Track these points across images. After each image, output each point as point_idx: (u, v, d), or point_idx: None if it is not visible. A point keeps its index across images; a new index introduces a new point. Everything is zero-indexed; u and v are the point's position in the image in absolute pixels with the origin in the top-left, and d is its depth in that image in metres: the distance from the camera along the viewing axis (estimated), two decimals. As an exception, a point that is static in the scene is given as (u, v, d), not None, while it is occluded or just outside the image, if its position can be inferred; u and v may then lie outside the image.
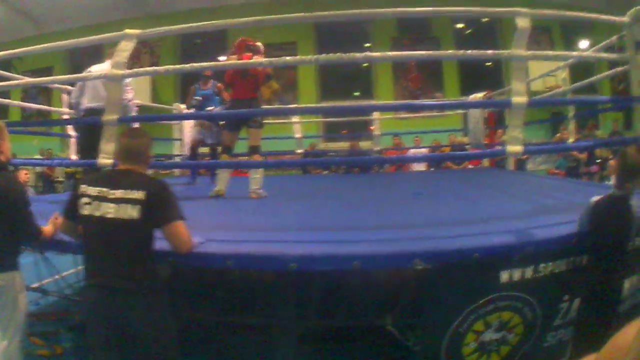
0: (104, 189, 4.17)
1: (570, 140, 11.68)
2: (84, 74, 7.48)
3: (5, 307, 4.91)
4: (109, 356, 4.23)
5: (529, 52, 6.38)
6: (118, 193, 4.12)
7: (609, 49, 8.30)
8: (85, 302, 4.30)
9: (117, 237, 4.10)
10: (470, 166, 16.79)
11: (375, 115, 16.35)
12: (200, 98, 11.61)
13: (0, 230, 4.73)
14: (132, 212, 4.07)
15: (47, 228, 5.06)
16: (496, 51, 6.82)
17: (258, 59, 8.43)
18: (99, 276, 4.15)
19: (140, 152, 4.46)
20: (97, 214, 4.13)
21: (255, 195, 8.68)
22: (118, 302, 4.07)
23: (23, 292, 5.08)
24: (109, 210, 4.10)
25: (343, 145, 21.09)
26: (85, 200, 4.20)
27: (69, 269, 7.62)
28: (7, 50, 7.99)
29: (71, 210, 4.39)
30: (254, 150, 9.06)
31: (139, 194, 4.10)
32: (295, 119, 15.76)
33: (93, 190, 4.20)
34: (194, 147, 12.33)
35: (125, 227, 4.08)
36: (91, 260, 4.27)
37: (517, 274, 4.58)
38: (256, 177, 8.90)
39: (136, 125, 8.27)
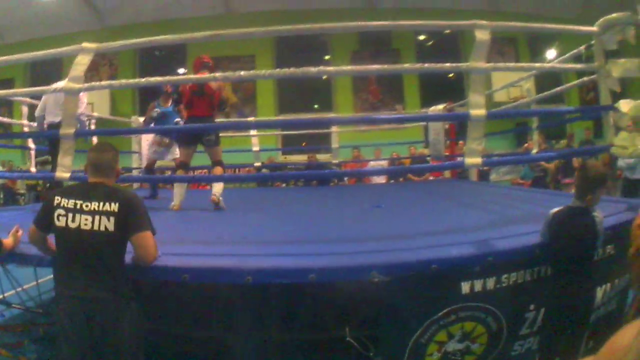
0: (79, 201, 4.23)
1: (534, 150, 11.78)
2: (42, 88, 7.45)
3: None
4: None
5: (488, 65, 6.42)
6: (93, 205, 4.21)
7: (576, 58, 8.38)
8: (59, 312, 4.28)
9: (93, 248, 4.17)
10: (431, 178, 16.85)
11: (335, 128, 16.38)
12: (158, 111, 11.45)
13: None
14: (107, 224, 4.17)
15: (8, 241, 5.04)
16: (454, 64, 6.85)
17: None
18: (72, 287, 4.20)
19: (108, 166, 4.54)
20: (73, 225, 4.19)
21: (215, 198, 8.72)
22: (92, 312, 4.12)
23: None
24: (86, 222, 4.17)
25: (302, 158, 21.09)
26: (60, 211, 4.24)
27: (30, 281, 7.59)
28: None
29: (44, 221, 4.41)
30: (216, 164, 9.13)
31: (113, 206, 4.20)
32: (253, 132, 15.76)
33: (68, 202, 4.25)
34: (149, 166, 12.04)
35: (101, 239, 4.17)
36: (65, 271, 4.32)
37: (478, 285, 4.64)
38: (218, 185, 8.98)
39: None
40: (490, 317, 4.77)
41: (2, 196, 21.90)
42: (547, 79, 15.85)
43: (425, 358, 4.75)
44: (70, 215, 4.21)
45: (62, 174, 6.68)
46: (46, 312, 7.59)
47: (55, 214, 4.26)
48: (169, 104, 11.39)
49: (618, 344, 1.51)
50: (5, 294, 7.52)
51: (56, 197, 4.33)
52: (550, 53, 23.22)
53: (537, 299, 4.94)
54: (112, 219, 4.18)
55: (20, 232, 5.22)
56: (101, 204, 4.21)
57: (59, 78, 16.43)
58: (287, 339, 6.25)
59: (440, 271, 4.48)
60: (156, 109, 11.46)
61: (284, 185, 18.17)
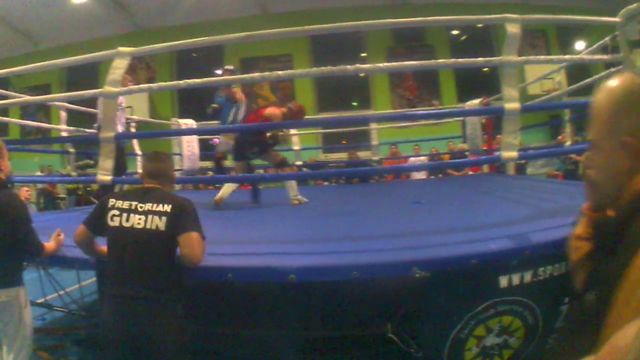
0: (134, 202, 4.38)
1: (568, 142, 11.68)
2: (80, 92, 7.47)
3: (10, 322, 4.95)
4: None
5: (520, 58, 6.35)
6: (147, 206, 4.35)
7: (603, 49, 8.31)
8: (104, 312, 4.35)
9: (144, 246, 4.26)
10: (470, 172, 16.79)
11: (374, 125, 16.36)
12: (217, 106, 11.28)
13: (2, 247, 4.78)
14: (159, 223, 4.27)
15: (49, 244, 5.12)
16: (487, 58, 6.80)
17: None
18: (120, 286, 4.25)
19: (164, 175, 4.75)
20: (127, 225, 4.31)
21: (296, 201, 9.14)
22: (137, 311, 4.16)
23: (27, 307, 5.11)
24: (139, 221, 4.29)
25: (342, 155, 21.10)
26: (114, 212, 4.38)
27: (72, 284, 7.65)
28: (4, 67, 8.04)
29: (95, 220, 4.56)
30: (278, 165, 9.51)
31: (166, 207, 4.33)
32: (293, 131, 15.78)
33: (123, 204, 4.40)
34: (219, 160, 11.82)
35: (153, 237, 4.27)
36: (114, 270, 4.38)
37: (516, 279, 4.59)
38: (290, 186, 9.39)
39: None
40: (527, 310, 4.74)
41: (42, 201, 22.07)
42: (577, 71, 15.73)
43: (464, 353, 4.73)
44: (124, 215, 4.34)
45: (103, 177, 6.73)
46: (88, 314, 7.66)
47: (109, 215, 4.38)
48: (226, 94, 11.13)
49: (618, 343, 1.49)
50: (48, 297, 7.59)
51: (111, 200, 4.47)
52: (579, 45, 23.02)
53: (572, 292, 4.90)
54: (163, 218, 4.28)
55: (61, 236, 5.29)
56: (154, 205, 4.34)
57: (96, 82, 16.58)
58: (330, 336, 6.26)
59: (479, 266, 4.47)
60: (212, 105, 11.31)
61: (325, 183, 18.24)
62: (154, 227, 4.26)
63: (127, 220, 4.31)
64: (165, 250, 4.30)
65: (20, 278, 5.01)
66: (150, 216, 4.29)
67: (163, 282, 4.26)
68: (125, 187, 6.58)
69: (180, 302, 4.38)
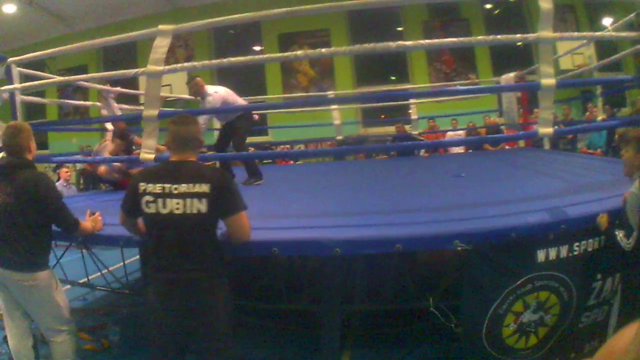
0: (167, 185, 4.11)
1: (599, 118, 11.60)
2: (124, 71, 7.54)
3: (41, 306, 5.05)
4: (171, 348, 4.27)
5: (555, 34, 6.30)
6: (182, 187, 4.08)
7: (629, 26, 8.24)
8: (150, 295, 4.28)
9: (186, 231, 4.11)
10: (506, 147, 16.76)
11: (412, 99, 16.35)
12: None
13: (29, 229, 4.89)
14: (199, 206, 4.05)
15: (85, 223, 5.21)
16: (524, 35, 6.75)
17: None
18: (166, 269, 4.18)
19: (191, 139, 4.38)
20: (165, 211, 4.09)
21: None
22: (187, 293, 4.12)
23: (60, 289, 5.19)
24: (177, 206, 4.07)
25: (382, 130, 21.11)
26: (148, 198, 4.14)
27: (116, 263, 7.73)
28: (39, 50, 8.13)
29: (131, 208, 4.37)
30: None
31: (204, 187, 4.07)
32: (334, 105, 15.81)
33: (155, 188, 4.14)
34: None
35: (194, 221, 4.08)
36: (157, 254, 4.26)
37: (552, 253, 4.63)
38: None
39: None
40: (562, 286, 4.77)
41: (82, 181, 22.00)
42: (605, 46, 15.58)
43: (502, 329, 4.77)
44: (160, 200, 4.10)
45: (147, 155, 6.80)
46: (132, 292, 7.75)
47: (143, 201, 4.15)
48: None
49: (616, 345, 1.52)
50: (90, 277, 7.68)
51: (140, 184, 4.20)
52: (606, 21, 22.78)
53: (604, 269, 4.91)
54: (204, 200, 4.05)
55: (100, 218, 5.39)
56: (191, 185, 4.07)
57: (134, 62, 16.62)
58: (372, 310, 6.33)
59: (518, 239, 4.54)
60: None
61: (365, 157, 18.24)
62: (195, 211, 4.05)
63: (164, 206, 4.09)
64: (208, 231, 4.21)
65: (46, 261, 5.11)
66: (189, 200, 4.06)
67: (208, 262, 4.19)
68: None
69: (226, 278, 4.35)
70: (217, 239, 4.31)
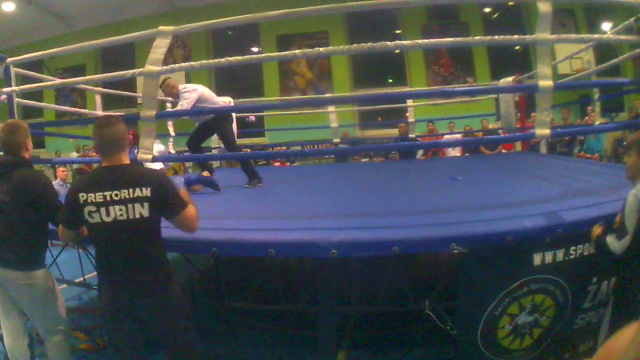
0: (107, 192, 4.07)
1: (597, 122, 11.61)
2: (122, 72, 7.54)
3: (38, 304, 5.03)
4: (132, 348, 4.37)
5: (553, 36, 6.30)
6: (123, 193, 4.07)
7: (629, 30, 8.25)
8: (103, 299, 4.36)
9: (130, 235, 4.13)
10: (503, 150, 16.78)
11: (409, 102, 16.36)
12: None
13: (24, 227, 4.88)
14: (141, 210, 4.08)
15: None
16: (522, 36, 6.77)
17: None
18: (113, 273, 4.24)
19: (119, 138, 4.29)
20: (109, 219, 4.08)
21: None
22: (136, 295, 4.18)
23: (54, 288, 5.18)
24: (120, 213, 4.06)
25: (378, 132, 21.11)
26: (90, 208, 4.10)
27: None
28: (38, 48, 8.12)
29: (73, 221, 4.39)
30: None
31: (145, 192, 4.09)
32: (331, 108, 15.82)
33: (96, 197, 4.09)
34: None
35: (137, 226, 4.11)
36: (105, 260, 4.31)
37: (549, 257, 4.68)
38: None
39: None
40: (558, 289, 4.81)
41: (79, 180, 21.84)
42: (604, 51, 15.60)
43: (497, 331, 4.80)
44: (102, 209, 4.07)
45: (144, 155, 6.80)
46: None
47: (86, 212, 4.11)
48: None
49: (614, 346, 1.53)
50: (86, 276, 7.66)
51: (80, 194, 4.13)
52: (605, 26, 22.83)
53: (599, 272, 4.94)
54: (145, 204, 4.08)
55: None
56: (131, 190, 4.07)
57: (132, 62, 16.63)
58: (369, 312, 6.33)
59: (515, 243, 4.54)
60: None
61: (364, 160, 18.33)
62: (137, 216, 4.07)
63: (108, 214, 4.06)
64: (151, 234, 4.25)
65: (43, 260, 5.11)
66: (130, 205, 4.05)
67: (154, 264, 4.26)
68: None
69: (175, 276, 4.42)
70: (160, 240, 4.36)
